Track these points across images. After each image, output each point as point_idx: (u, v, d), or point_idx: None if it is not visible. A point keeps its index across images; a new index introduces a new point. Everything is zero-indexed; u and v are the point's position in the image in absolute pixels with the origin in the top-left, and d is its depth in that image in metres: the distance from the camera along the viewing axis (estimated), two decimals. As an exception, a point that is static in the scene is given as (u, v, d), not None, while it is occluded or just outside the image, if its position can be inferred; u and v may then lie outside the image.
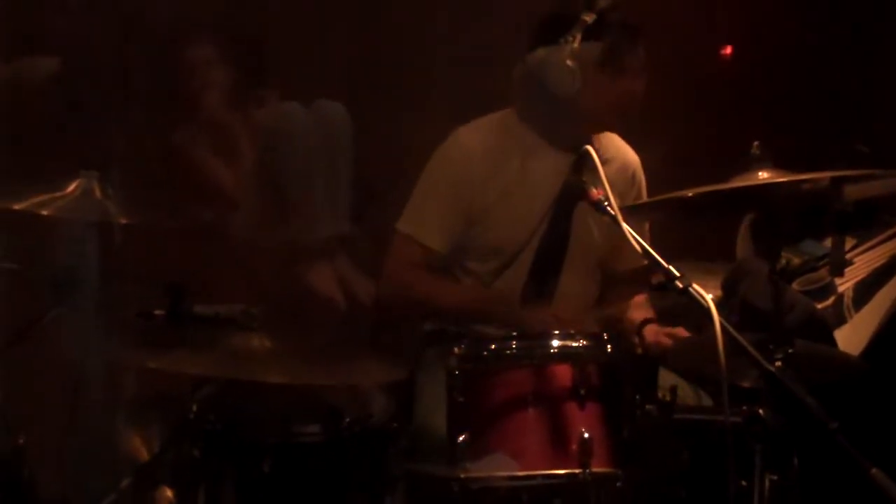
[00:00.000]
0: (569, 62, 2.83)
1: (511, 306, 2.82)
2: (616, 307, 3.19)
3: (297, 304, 3.39)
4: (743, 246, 3.62)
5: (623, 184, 3.06)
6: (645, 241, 3.15)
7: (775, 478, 2.02)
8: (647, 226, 3.16)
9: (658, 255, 2.18)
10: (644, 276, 3.34)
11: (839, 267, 3.32)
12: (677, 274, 2.11)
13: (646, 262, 3.15)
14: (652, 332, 2.87)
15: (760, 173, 2.30)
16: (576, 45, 2.83)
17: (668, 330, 2.90)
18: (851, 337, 3.08)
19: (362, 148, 3.82)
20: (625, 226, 2.18)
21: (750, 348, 2.00)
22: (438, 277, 3.06)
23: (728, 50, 4.23)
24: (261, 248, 3.52)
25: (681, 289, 2.10)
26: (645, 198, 3.16)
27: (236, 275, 3.33)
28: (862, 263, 3.38)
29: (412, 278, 3.04)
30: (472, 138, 3.05)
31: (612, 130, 3.08)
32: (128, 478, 2.72)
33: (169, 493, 2.64)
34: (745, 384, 2.40)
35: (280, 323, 2.60)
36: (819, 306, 3.25)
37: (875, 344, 2.98)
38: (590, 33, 2.87)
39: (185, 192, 3.49)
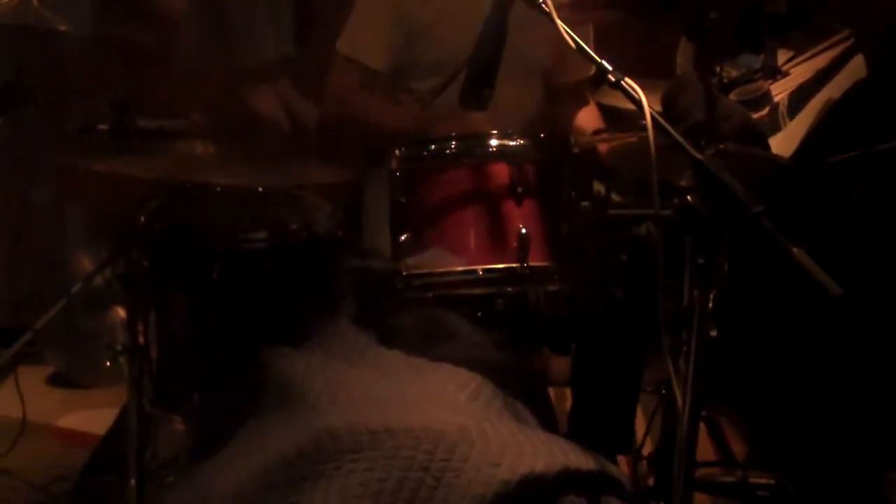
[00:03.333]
0: None
1: (447, 120, 2.81)
2: (565, 118, 3.22)
3: (240, 124, 3.40)
4: (682, 62, 3.66)
5: None
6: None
7: (702, 261, 2.08)
8: (591, 34, 3.20)
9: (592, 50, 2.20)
10: (590, 88, 3.38)
11: (771, 72, 3.37)
12: (610, 68, 2.14)
13: (591, 73, 3.22)
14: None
15: (694, -29, 2.31)
16: None
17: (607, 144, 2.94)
18: (785, 144, 3.14)
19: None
20: (559, 22, 2.19)
21: (678, 137, 2.04)
22: (378, 98, 3.05)
23: None
24: (203, 70, 3.52)
25: (613, 82, 2.13)
26: None
27: (179, 97, 3.33)
28: (798, 73, 3.42)
29: (352, 99, 3.04)
30: None
31: None
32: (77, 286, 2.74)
33: (121, 312, 2.69)
34: (681, 183, 2.45)
35: (224, 133, 2.62)
36: (755, 116, 3.30)
37: (803, 147, 3.04)
38: None
39: (128, 10, 3.46)
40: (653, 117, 2.08)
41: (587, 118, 3.27)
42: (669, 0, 2.37)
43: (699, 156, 2.04)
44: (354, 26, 3.04)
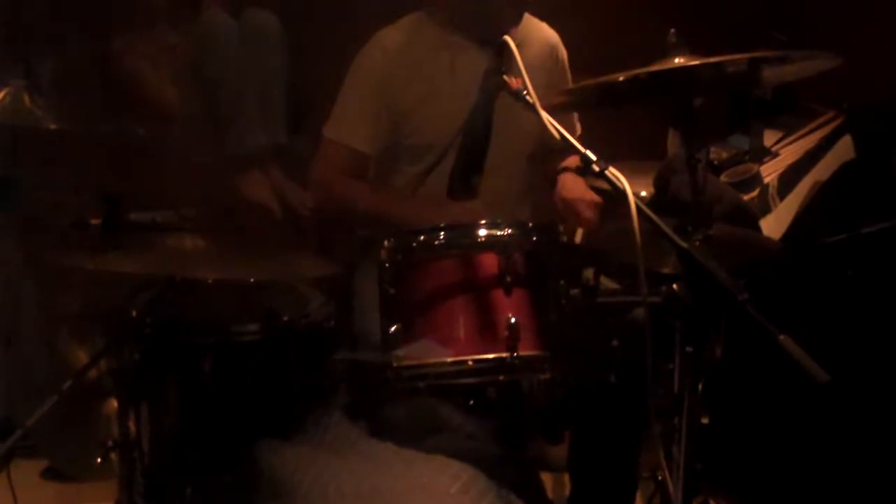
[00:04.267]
0: None
1: (434, 208, 2.83)
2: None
3: (232, 213, 3.42)
4: (673, 143, 3.70)
5: (545, 65, 3.10)
6: (574, 130, 3.23)
7: (690, 349, 2.08)
8: (575, 117, 3.22)
9: (577, 140, 2.22)
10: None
11: (759, 153, 3.40)
12: (594, 157, 2.16)
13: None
14: (575, 201, 2.94)
15: (677, 60, 2.33)
16: None
17: (589, 197, 2.98)
18: (775, 225, 3.16)
19: (299, 58, 3.83)
20: (542, 112, 2.22)
21: (663, 225, 2.05)
22: (364, 186, 3.06)
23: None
24: (195, 160, 3.54)
25: (598, 171, 2.14)
26: (568, 75, 3.19)
27: (171, 186, 3.35)
28: (787, 154, 3.46)
29: (338, 184, 3.05)
30: (392, 39, 3.06)
31: (517, 19, 3.07)
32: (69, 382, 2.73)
33: (113, 403, 2.68)
34: (667, 270, 2.46)
35: (215, 226, 2.64)
36: (745, 197, 3.33)
37: (793, 228, 3.06)
38: None
39: (120, 103, 3.50)
40: (637, 206, 2.09)
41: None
42: (655, 88, 2.38)
43: (684, 244, 2.05)
44: (340, 111, 3.07)
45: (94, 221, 2.62)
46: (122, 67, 3.60)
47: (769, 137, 3.55)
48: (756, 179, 3.42)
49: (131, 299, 2.60)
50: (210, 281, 2.55)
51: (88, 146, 3.01)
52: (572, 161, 3.09)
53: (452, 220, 2.53)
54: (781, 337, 1.91)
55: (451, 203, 2.56)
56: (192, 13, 3.72)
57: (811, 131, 3.46)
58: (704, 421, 2.13)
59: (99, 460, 2.54)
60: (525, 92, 2.27)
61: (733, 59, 2.28)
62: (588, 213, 2.99)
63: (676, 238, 2.04)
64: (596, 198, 3.01)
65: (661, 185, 3.34)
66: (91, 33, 3.54)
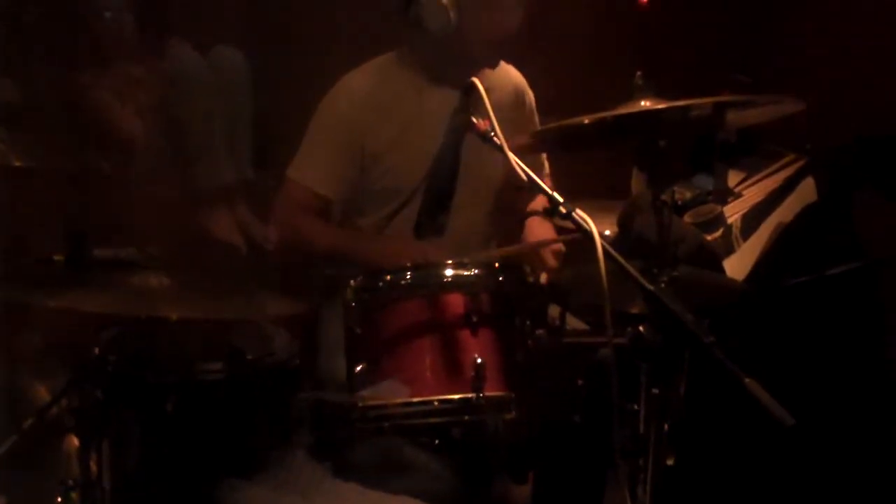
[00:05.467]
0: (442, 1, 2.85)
1: (398, 246, 2.84)
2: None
3: (196, 248, 3.40)
4: (637, 183, 3.72)
5: (513, 107, 3.11)
6: (542, 170, 3.25)
7: (657, 392, 2.09)
8: (543, 157, 3.23)
9: (544, 182, 2.24)
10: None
11: (723, 195, 3.42)
12: (560, 199, 2.17)
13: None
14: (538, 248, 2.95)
15: (643, 102, 2.35)
16: None
17: (554, 247, 2.99)
18: (738, 265, 3.18)
19: (266, 94, 3.83)
20: (510, 154, 2.23)
21: (629, 268, 2.06)
22: (327, 226, 3.06)
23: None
24: (161, 195, 3.52)
25: (564, 214, 2.15)
26: (536, 117, 3.21)
27: (136, 221, 3.33)
28: (750, 195, 3.49)
29: (300, 223, 3.04)
30: (359, 84, 3.05)
31: (493, 62, 3.09)
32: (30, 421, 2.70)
33: (75, 441, 2.65)
34: (633, 310, 2.47)
35: (179, 263, 2.62)
36: (709, 238, 3.35)
37: (757, 269, 3.08)
38: None
39: (85, 137, 3.47)
40: (604, 248, 2.10)
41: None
42: (621, 130, 2.39)
43: (650, 287, 2.06)
44: (304, 153, 3.06)
45: (58, 258, 2.60)
46: (87, 101, 3.58)
47: (732, 178, 3.58)
48: (719, 220, 3.45)
49: (94, 336, 2.57)
50: (174, 318, 2.53)
51: (52, 181, 2.99)
52: (540, 203, 3.11)
53: (417, 259, 2.54)
54: (747, 381, 1.92)
55: (414, 241, 2.56)
56: (159, 46, 3.71)
57: (774, 172, 3.50)
58: (670, 462, 2.14)
59: (59, 500, 2.50)
60: (492, 133, 2.28)
61: (698, 102, 2.31)
62: (552, 261, 3.00)
63: (643, 281, 2.05)
64: (560, 246, 3.02)
65: (624, 225, 3.36)
66: (56, 66, 3.52)
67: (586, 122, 2.35)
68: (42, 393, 3.32)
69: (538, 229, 3.12)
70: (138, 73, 3.69)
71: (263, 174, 3.86)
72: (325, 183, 3.01)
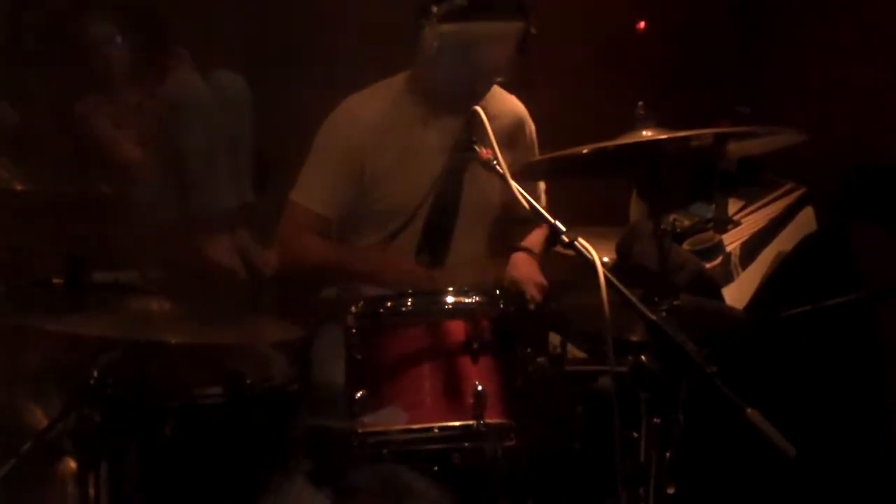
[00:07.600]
0: (433, 41, 2.86)
1: (400, 264, 2.86)
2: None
3: (196, 274, 3.40)
4: (635, 210, 3.72)
5: (514, 137, 3.11)
6: (539, 200, 3.25)
7: (658, 421, 2.08)
8: (542, 185, 3.24)
9: (546, 211, 2.24)
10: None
11: (723, 224, 3.43)
12: (563, 228, 2.18)
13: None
14: (523, 281, 2.96)
15: (645, 132, 2.35)
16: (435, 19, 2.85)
17: (538, 280, 3.00)
18: (738, 294, 3.19)
19: (267, 118, 3.83)
20: (512, 183, 2.24)
21: (632, 297, 2.06)
22: (330, 243, 3.08)
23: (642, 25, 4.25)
24: (161, 220, 3.52)
25: (567, 242, 2.16)
26: (536, 147, 3.21)
27: (136, 247, 3.33)
28: (749, 224, 3.49)
29: (304, 244, 3.06)
30: (362, 107, 3.07)
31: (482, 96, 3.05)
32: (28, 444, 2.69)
33: (72, 464, 2.64)
34: (633, 338, 2.47)
35: (179, 287, 2.62)
36: (708, 265, 3.36)
37: (756, 298, 3.08)
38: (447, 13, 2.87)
39: (85, 163, 3.48)
40: (606, 277, 2.10)
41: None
42: (622, 160, 2.40)
43: (652, 317, 2.06)
44: (306, 176, 3.08)
45: (57, 281, 2.60)
46: (88, 126, 3.59)
47: (731, 206, 3.59)
48: (718, 248, 3.45)
49: (93, 360, 2.57)
50: (173, 342, 2.53)
51: (53, 205, 2.99)
52: (529, 241, 3.13)
53: (419, 279, 2.54)
54: (749, 411, 1.92)
55: (416, 264, 2.57)
56: (158, 71, 3.71)
57: (773, 201, 3.50)
58: (671, 491, 2.14)
59: (56, 523, 2.50)
60: (495, 162, 2.29)
61: (699, 133, 2.31)
62: (535, 296, 3.00)
63: (645, 310, 2.05)
64: (543, 281, 3.02)
65: (623, 252, 3.37)
66: (56, 93, 3.53)
67: (585, 152, 2.35)
68: (39, 416, 3.31)
69: (522, 266, 3.12)
70: (138, 99, 3.69)
71: (264, 198, 3.86)
72: (325, 204, 3.04)
